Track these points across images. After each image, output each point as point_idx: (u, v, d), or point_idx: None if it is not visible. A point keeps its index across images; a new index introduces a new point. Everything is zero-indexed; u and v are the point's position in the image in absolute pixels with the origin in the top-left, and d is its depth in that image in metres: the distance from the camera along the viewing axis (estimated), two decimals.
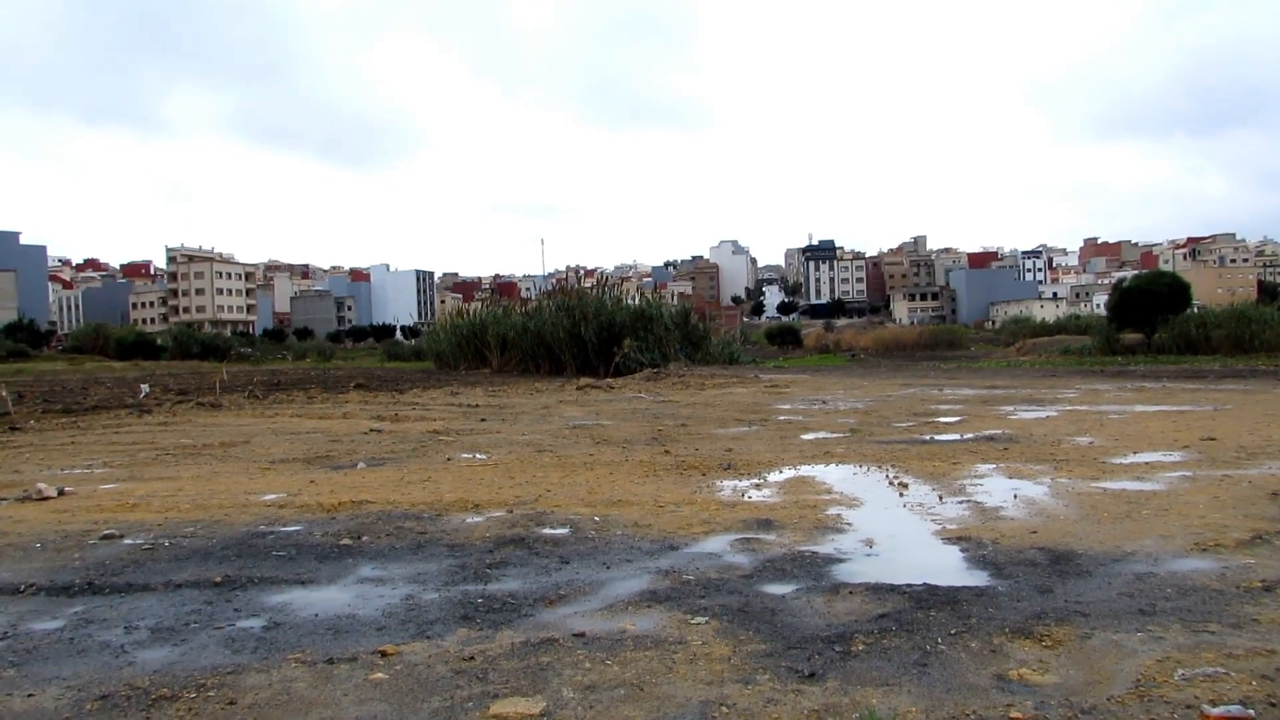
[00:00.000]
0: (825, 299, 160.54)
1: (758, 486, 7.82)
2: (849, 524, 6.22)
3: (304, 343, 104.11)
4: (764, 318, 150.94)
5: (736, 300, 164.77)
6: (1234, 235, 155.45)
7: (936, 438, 11.09)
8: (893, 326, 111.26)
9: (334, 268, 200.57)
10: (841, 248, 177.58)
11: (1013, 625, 3.96)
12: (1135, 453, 9.15)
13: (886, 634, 3.89)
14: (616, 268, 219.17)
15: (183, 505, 7.23)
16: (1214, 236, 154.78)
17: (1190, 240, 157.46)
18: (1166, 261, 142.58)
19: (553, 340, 37.12)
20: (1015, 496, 6.97)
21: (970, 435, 11.17)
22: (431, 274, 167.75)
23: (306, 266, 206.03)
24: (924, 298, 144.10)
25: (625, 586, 4.79)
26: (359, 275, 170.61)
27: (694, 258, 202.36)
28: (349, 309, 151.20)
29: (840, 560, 5.25)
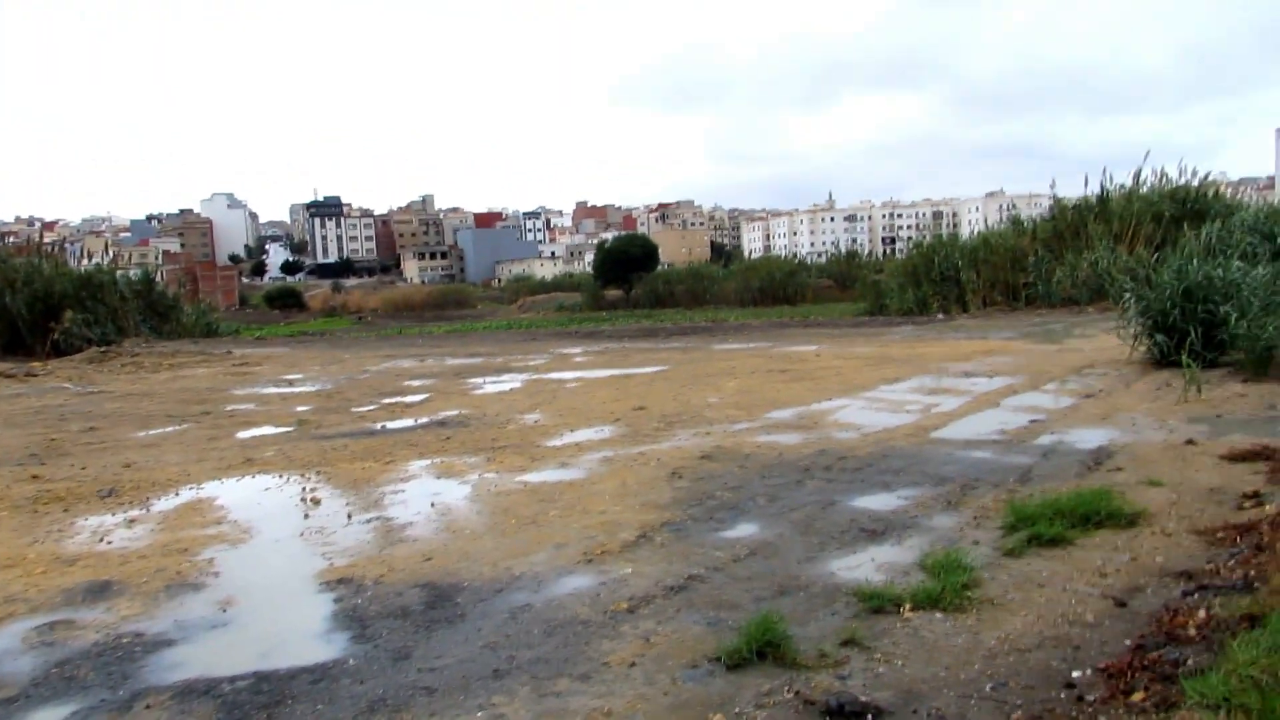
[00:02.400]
0: (333, 258, 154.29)
1: (130, 523, 6.27)
2: (216, 574, 5.05)
3: None
4: (267, 278, 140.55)
5: (235, 259, 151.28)
6: (693, 201, 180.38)
7: (388, 426, 10.31)
8: (403, 286, 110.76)
9: None
10: (349, 204, 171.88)
11: None
12: (572, 430, 9.22)
13: None
14: (85, 220, 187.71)
15: None
16: (678, 202, 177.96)
17: (660, 205, 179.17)
18: (643, 224, 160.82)
19: None
20: (432, 506, 6.36)
21: (424, 420, 10.58)
22: None
23: None
24: (434, 257, 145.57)
25: None
26: None
27: (183, 211, 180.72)
28: None
29: (169, 643, 4.08)
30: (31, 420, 12.16)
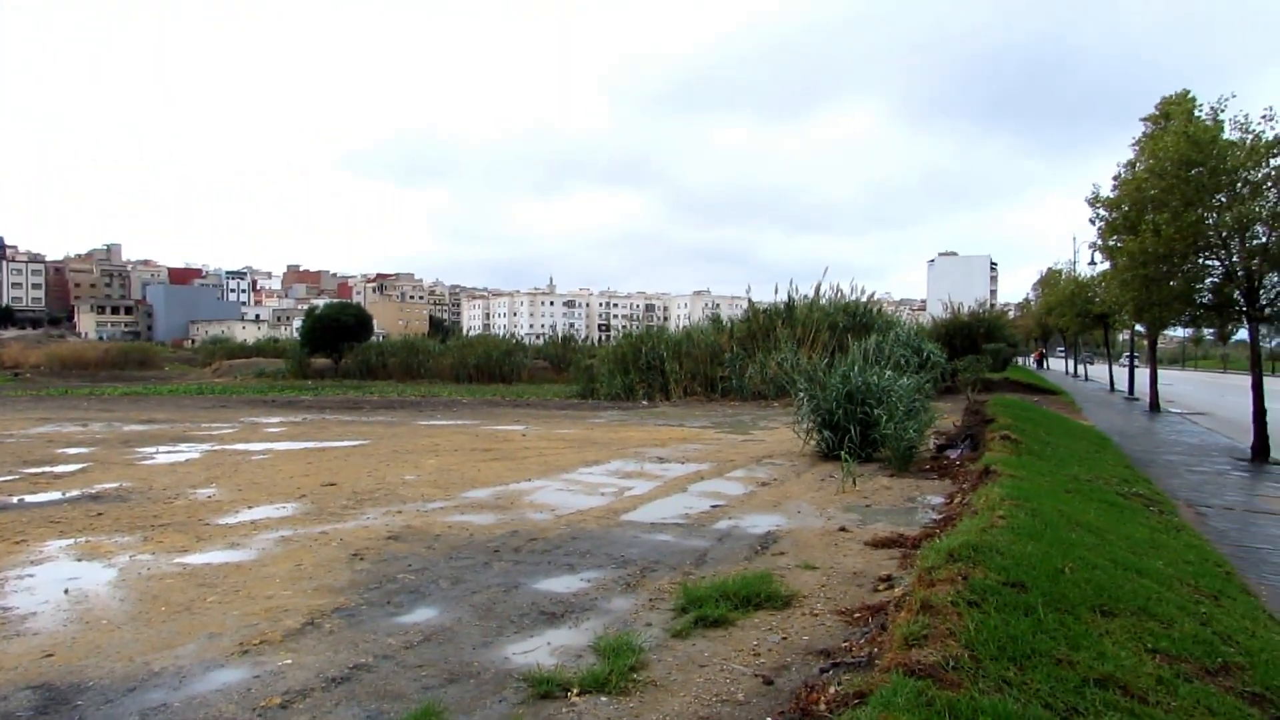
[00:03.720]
0: None
1: None
2: None
3: None
4: None
5: None
6: (413, 275, 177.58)
7: (27, 499, 8.99)
8: (76, 341, 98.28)
9: None
10: (14, 246, 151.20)
11: None
12: (250, 507, 8.54)
13: None
14: None
15: None
16: (398, 274, 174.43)
17: (379, 275, 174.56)
18: (359, 293, 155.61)
19: None
20: (66, 593, 5.58)
21: (75, 493, 9.34)
22: None
23: None
24: (116, 311, 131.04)
25: None
26: None
27: None
28: None
29: None
30: None
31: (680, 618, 5.13)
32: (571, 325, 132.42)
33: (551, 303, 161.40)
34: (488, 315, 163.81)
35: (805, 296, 30.29)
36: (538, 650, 4.63)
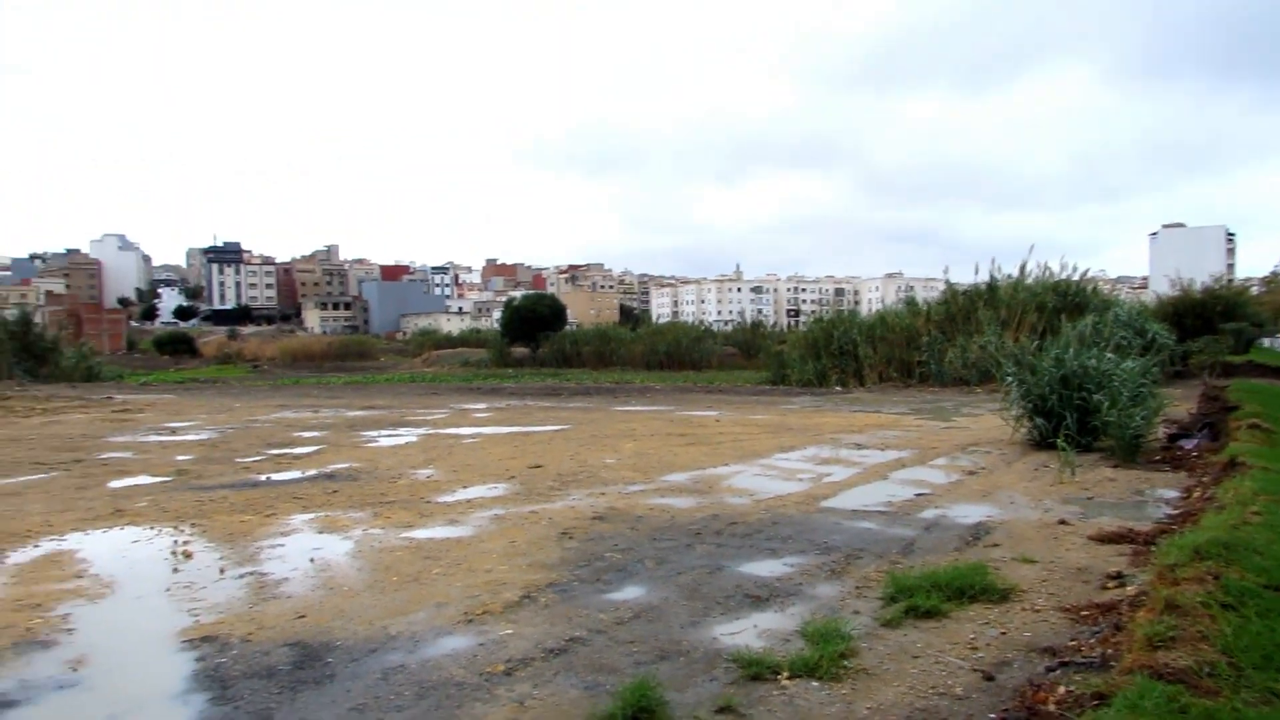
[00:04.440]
0: (231, 304, 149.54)
1: None
2: (70, 631, 4.74)
3: None
4: (158, 323, 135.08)
5: (125, 303, 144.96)
6: (603, 265, 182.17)
7: (273, 478, 9.94)
8: (303, 336, 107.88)
9: None
10: (249, 251, 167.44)
11: None
12: (465, 487, 9.06)
13: None
14: None
15: None
16: (589, 265, 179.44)
17: (571, 267, 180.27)
18: (552, 284, 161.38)
19: None
20: (311, 561, 6.13)
21: (312, 472, 10.24)
22: None
23: None
24: (336, 307, 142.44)
25: None
26: None
27: (69, 251, 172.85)
28: None
29: (9, 704, 3.79)
30: None
31: (889, 606, 5.00)
32: (759, 311, 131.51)
33: (739, 289, 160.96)
34: (675, 303, 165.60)
35: (1009, 276, 28.63)
36: (745, 632, 4.64)
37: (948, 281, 30.53)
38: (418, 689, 3.89)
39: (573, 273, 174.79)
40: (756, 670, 4.04)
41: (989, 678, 4.06)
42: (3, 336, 29.02)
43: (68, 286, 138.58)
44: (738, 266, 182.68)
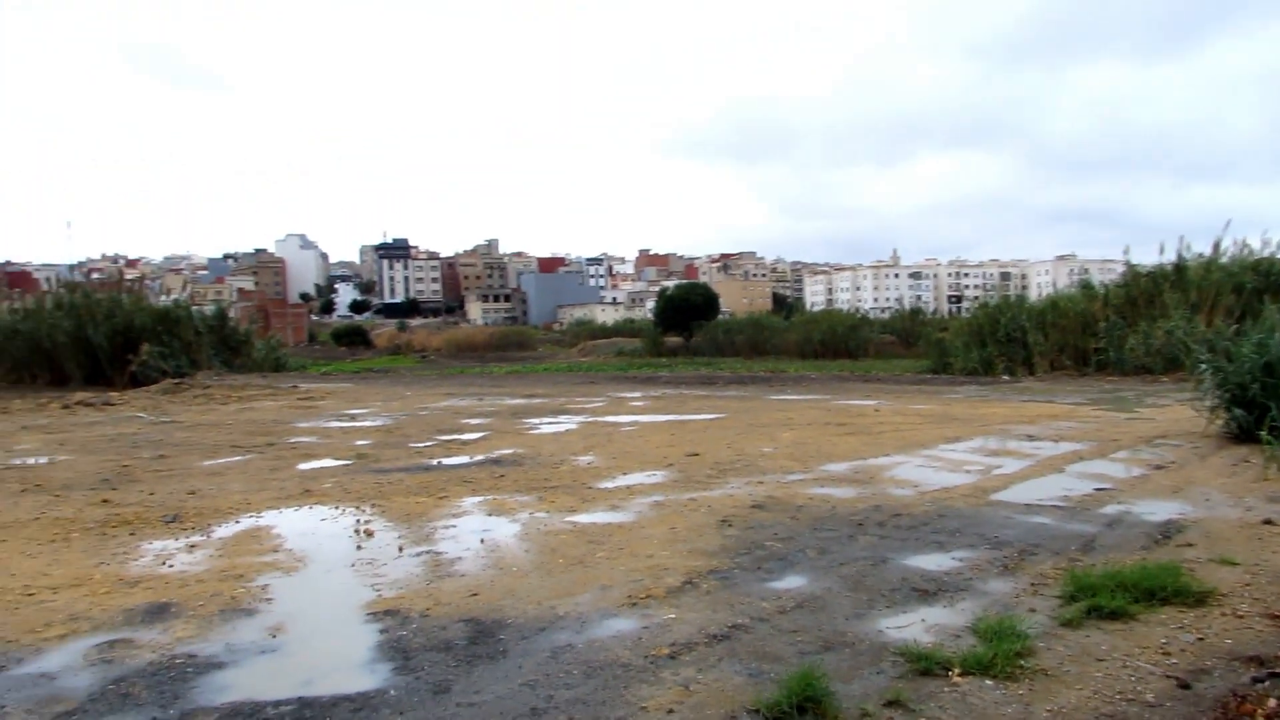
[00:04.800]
0: (400, 298, 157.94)
1: (191, 548, 6.43)
2: (269, 600, 5.14)
3: None
4: (335, 316, 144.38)
5: (305, 298, 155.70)
6: (755, 253, 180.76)
7: (444, 462, 10.43)
8: (466, 327, 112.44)
9: None
10: (416, 247, 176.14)
11: None
12: (624, 474, 9.22)
13: None
14: (166, 258, 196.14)
15: None
16: (740, 253, 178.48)
17: (723, 256, 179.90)
18: (704, 274, 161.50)
19: (53, 345, 31.13)
20: (482, 542, 6.39)
21: (480, 458, 10.68)
22: None
23: None
24: (497, 299, 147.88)
25: None
26: None
27: (258, 250, 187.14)
28: None
29: (219, 666, 4.15)
30: (106, 448, 12.59)
31: (1068, 606, 4.74)
32: (918, 298, 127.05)
33: (896, 275, 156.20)
34: (830, 290, 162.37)
35: (1200, 255, 26.39)
36: (912, 626, 4.51)
37: (1128, 262, 28.43)
38: (585, 668, 3.99)
39: (725, 261, 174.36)
40: (925, 665, 3.93)
41: (1184, 685, 3.78)
42: (203, 330, 31.66)
43: (256, 283, 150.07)
44: (894, 252, 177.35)
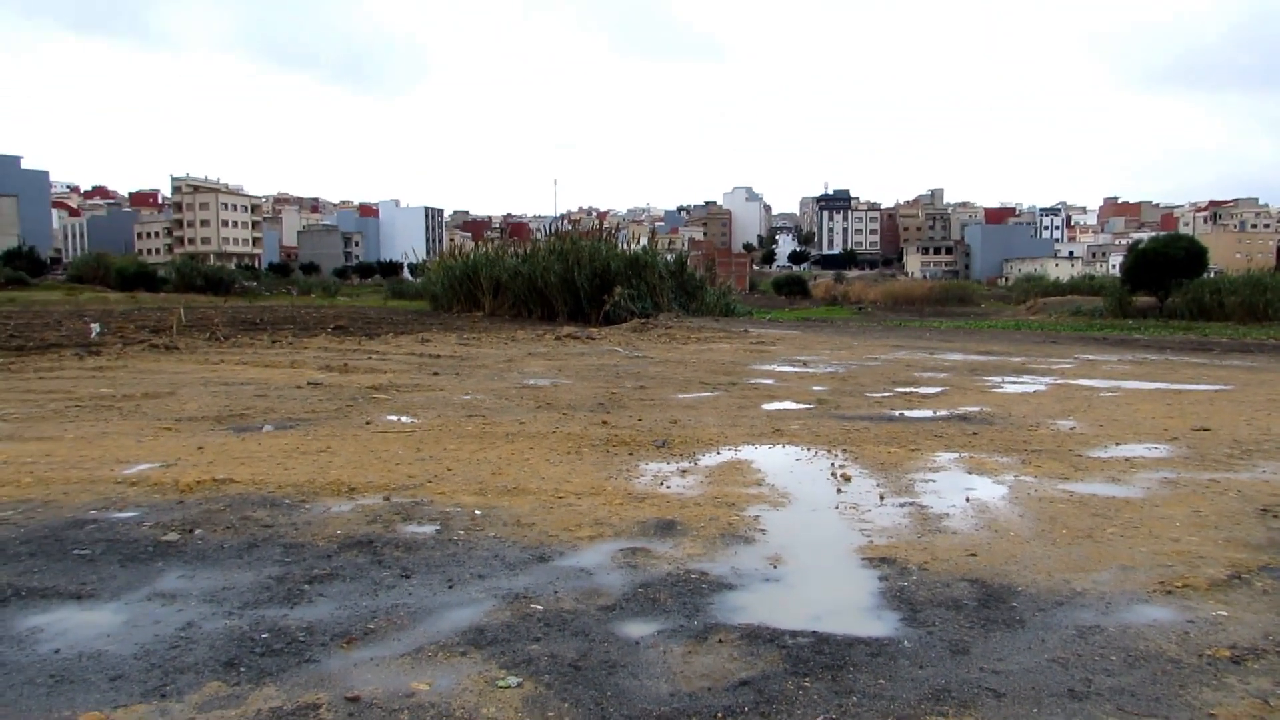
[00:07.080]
0: (838, 249, 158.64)
1: (683, 473, 6.95)
2: (763, 531, 5.34)
3: (309, 278, 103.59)
4: (775, 266, 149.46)
5: (748, 248, 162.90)
6: (1257, 200, 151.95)
7: (906, 414, 10.17)
8: (904, 280, 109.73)
9: (343, 202, 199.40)
10: (857, 198, 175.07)
11: (903, 709, 3.10)
12: (1117, 444, 8.21)
13: (734, 718, 3.03)
14: (629, 210, 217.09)
15: (26, 479, 6.41)
16: (1236, 200, 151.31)
17: (1212, 203, 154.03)
18: (1186, 224, 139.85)
19: (545, 285, 36.17)
20: (967, 500, 6.06)
21: (944, 413, 10.24)
22: (441, 211, 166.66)
23: (316, 200, 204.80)
24: (938, 252, 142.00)
25: (454, 618, 3.94)
26: (368, 211, 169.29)
27: (707, 203, 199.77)
28: (357, 245, 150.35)
29: (730, 587, 4.38)
30: (594, 375, 14.24)
31: None
32: None
33: None
34: None
35: None
36: None
37: None
38: (1124, 656, 3.55)
39: (1214, 210, 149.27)
40: None
41: None
42: (665, 275, 34.56)
43: (705, 234, 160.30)
44: None
